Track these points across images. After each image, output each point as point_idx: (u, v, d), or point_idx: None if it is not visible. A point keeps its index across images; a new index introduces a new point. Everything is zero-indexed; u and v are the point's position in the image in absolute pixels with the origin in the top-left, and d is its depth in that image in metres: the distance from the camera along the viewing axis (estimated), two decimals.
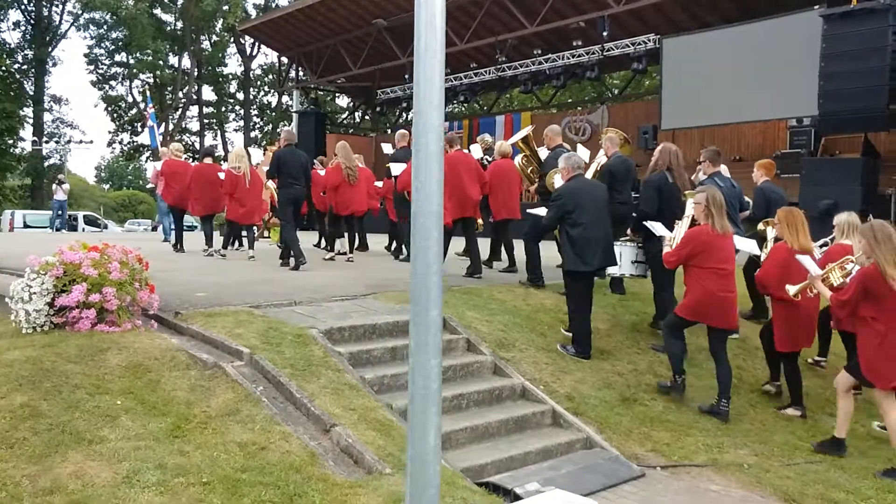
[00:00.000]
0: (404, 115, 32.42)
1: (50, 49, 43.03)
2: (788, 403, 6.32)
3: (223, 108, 51.32)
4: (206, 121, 50.73)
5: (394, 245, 11.91)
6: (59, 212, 23.28)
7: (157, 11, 44.37)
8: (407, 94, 25.92)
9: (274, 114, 51.38)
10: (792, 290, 5.85)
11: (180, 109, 48.20)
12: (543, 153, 8.74)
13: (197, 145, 49.33)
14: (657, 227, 6.65)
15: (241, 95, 51.35)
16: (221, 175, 10.91)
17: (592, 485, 4.68)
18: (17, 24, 43.35)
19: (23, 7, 42.30)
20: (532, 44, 22.41)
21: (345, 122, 35.75)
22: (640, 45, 18.90)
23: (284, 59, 32.37)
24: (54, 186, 23.99)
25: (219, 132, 51.82)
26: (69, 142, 44.47)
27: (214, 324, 5.65)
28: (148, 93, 37.42)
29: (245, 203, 10.50)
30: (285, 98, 50.42)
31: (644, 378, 6.40)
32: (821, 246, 6.89)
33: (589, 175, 7.58)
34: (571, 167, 6.90)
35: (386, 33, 25.96)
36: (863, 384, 5.34)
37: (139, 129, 48.10)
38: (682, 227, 6.47)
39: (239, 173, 10.38)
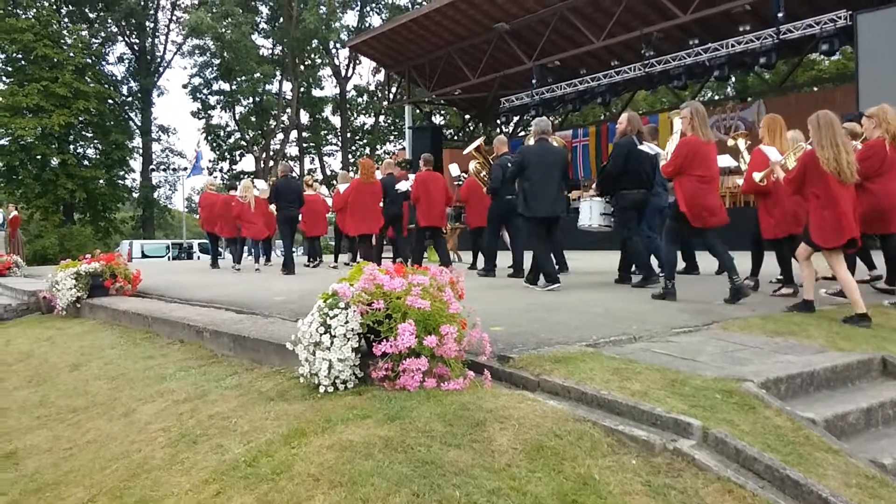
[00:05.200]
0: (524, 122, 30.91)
1: (155, 79, 43.16)
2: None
3: (321, 132, 50.64)
4: (304, 145, 50.15)
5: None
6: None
7: (254, 37, 44.12)
8: (536, 101, 24.19)
9: (371, 135, 50.47)
10: (758, 176, 6.79)
11: (280, 134, 47.74)
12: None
13: (297, 170, 48.84)
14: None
15: (336, 119, 50.63)
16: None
17: None
18: (121, 58, 43.83)
19: (127, 40, 42.65)
20: (689, 32, 20.39)
21: (458, 136, 34.25)
22: (828, 23, 16.63)
23: (381, 75, 31.06)
24: None
25: (316, 156, 51.22)
26: (176, 170, 44.40)
27: (574, 373, 3.93)
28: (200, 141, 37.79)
29: (254, 222, 13.20)
30: (382, 118, 49.93)
31: None
32: None
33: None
34: (538, 131, 8.08)
35: (508, 37, 24.44)
36: (813, 248, 5.71)
37: (237, 158, 47.95)
38: (672, 143, 6.97)
39: (245, 201, 13.18)
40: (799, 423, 3.37)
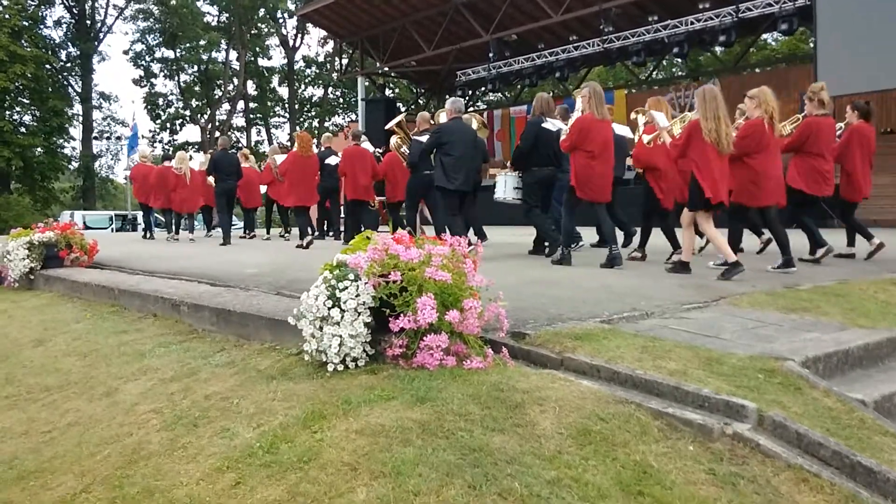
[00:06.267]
0: (484, 96, 30.63)
1: (96, 45, 41.37)
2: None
3: (268, 103, 49.40)
4: (251, 116, 48.89)
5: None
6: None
7: (199, 3, 42.62)
8: (492, 75, 23.90)
9: (319, 108, 49.45)
10: (647, 138, 7.56)
11: (226, 104, 46.39)
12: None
13: (244, 141, 47.60)
14: None
15: (283, 90, 49.43)
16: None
17: None
18: (58, 23, 41.79)
19: (66, 3, 40.72)
20: (647, 10, 20.31)
21: (410, 109, 33.73)
22: (788, 2, 16.73)
23: (330, 47, 30.34)
24: None
25: (263, 128, 49.96)
26: (120, 139, 42.80)
27: (599, 350, 3.72)
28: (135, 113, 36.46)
29: (185, 196, 13.81)
30: (331, 90, 48.93)
31: None
32: None
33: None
34: (453, 110, 8.63)
35: (464, 10, 24.04)
36: (690, 209, 6.42)
37: (178, 128, 46.43)
38: (571, 119, 7.51)
39: (180, 173, 13.70)
40: (850, 404, 3.22)
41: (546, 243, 8.60)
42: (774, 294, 5.24)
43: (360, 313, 3.66)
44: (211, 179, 13.17)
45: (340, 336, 3.61)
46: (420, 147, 9.42)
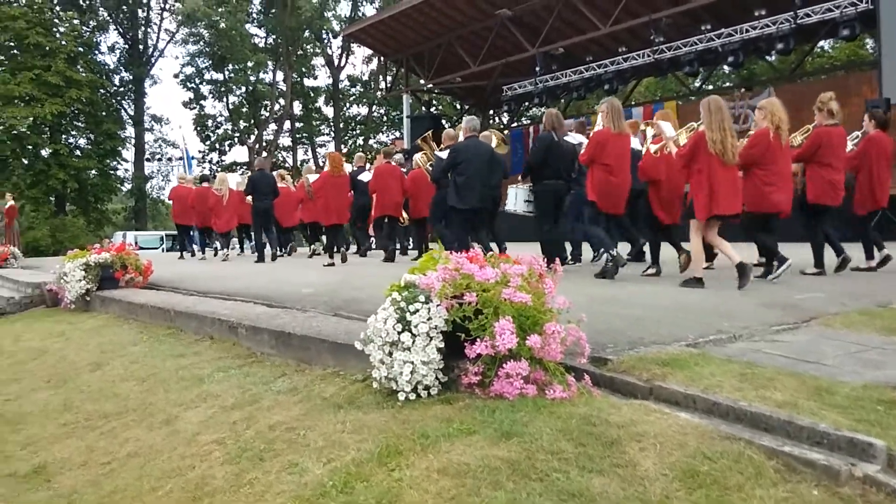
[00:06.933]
0: (528, 111, 30.41)
1: (148, 68, 42.24)
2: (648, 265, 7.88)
3: (314, 122, 49.80)
4: (297, 135, 49.33)
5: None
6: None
7: (247, 26, 43.21)
8: (539, 89, 23.64)
9: (364, 125, 49.68)
10: (653, 147, 7.63)
11: (273, 124, 46.87)
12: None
13: (290, 161, 48.02)
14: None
15: (329, 109, 49.79)
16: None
17: None
18: (111, 48, 42.85)
19: (119, 29, 41.68)
20: (698, 18, 19.87)
21: (454, 124, 33.62)
22: (849, 7, 16.17)
23: (374, 65, 30.39)
24: None
25: (309, 147, 50.32)
26: (170, 160, 43.56)
27: (693, 378, 3.41)
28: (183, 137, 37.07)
29: (222, 216, 14.27)
30: (375, 108, 49.11)
31: None
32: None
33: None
34: (468, 129, 8.82)
35: (510, 24, 23.87)
36: (689, 217, 6.52)
37: (227, 149, 47.10)
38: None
39: (219, 194, 14.17)
40: None
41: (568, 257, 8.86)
42: (869, 314, 4.86)
43: (432, 338, 3.43)
44: (249, 199, 13.52)
45: (412, 362, 3.38)
46: (441, 164, 9.51)
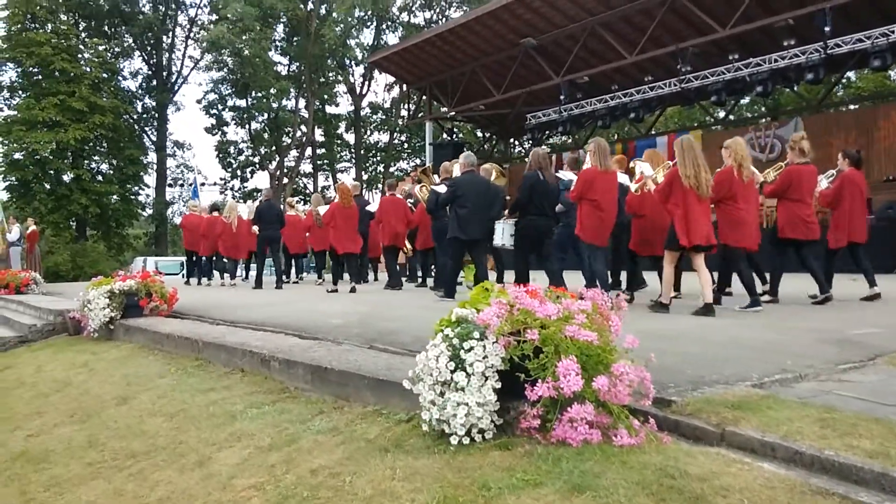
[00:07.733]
0: (548, 139, 30.26)
1: (171, 95, 42.61)
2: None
3: (335, 149, 49.95)
4: (318, 162, 49.47)
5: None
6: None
7: (271, 53, 43.52)
8: (563, 117, 23.49)
9: (385, 153, 49.75)
10: (633, 186, 8.30)
11: (294, 151, 47.04)
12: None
13: (311, 187, 48.11)
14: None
15: (350, 136, 49.93)
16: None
17: None
18: (136, 73, 43.30)
19: (143, 55, 42.16)
20: (725, 48, 19.69)
21: (477, 152, 33.50)
22: (880, 37, 15.92)
23: (395, 92, 30.38)
24: None
25: (330, 173, 50.43)
26: (192, 185, 43.66)
27: (769, 424, 3.15)
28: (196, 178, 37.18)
29: (232, 242, 14.84)
30: (396, 135, 49.23)
31: None
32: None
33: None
34: (466, 164, 9.28)
35: (535, 53, 23.81)
36: (669, 249, 7.08)
37: (248, 176, 47.28)
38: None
39: (228, 221, 14.63)
40: None
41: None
42: None
43: (487, 377, 3.20)
44: (255, 228, 13.82)
45: (467, 404, 3.14)
46: (436, 196, 9.89)
